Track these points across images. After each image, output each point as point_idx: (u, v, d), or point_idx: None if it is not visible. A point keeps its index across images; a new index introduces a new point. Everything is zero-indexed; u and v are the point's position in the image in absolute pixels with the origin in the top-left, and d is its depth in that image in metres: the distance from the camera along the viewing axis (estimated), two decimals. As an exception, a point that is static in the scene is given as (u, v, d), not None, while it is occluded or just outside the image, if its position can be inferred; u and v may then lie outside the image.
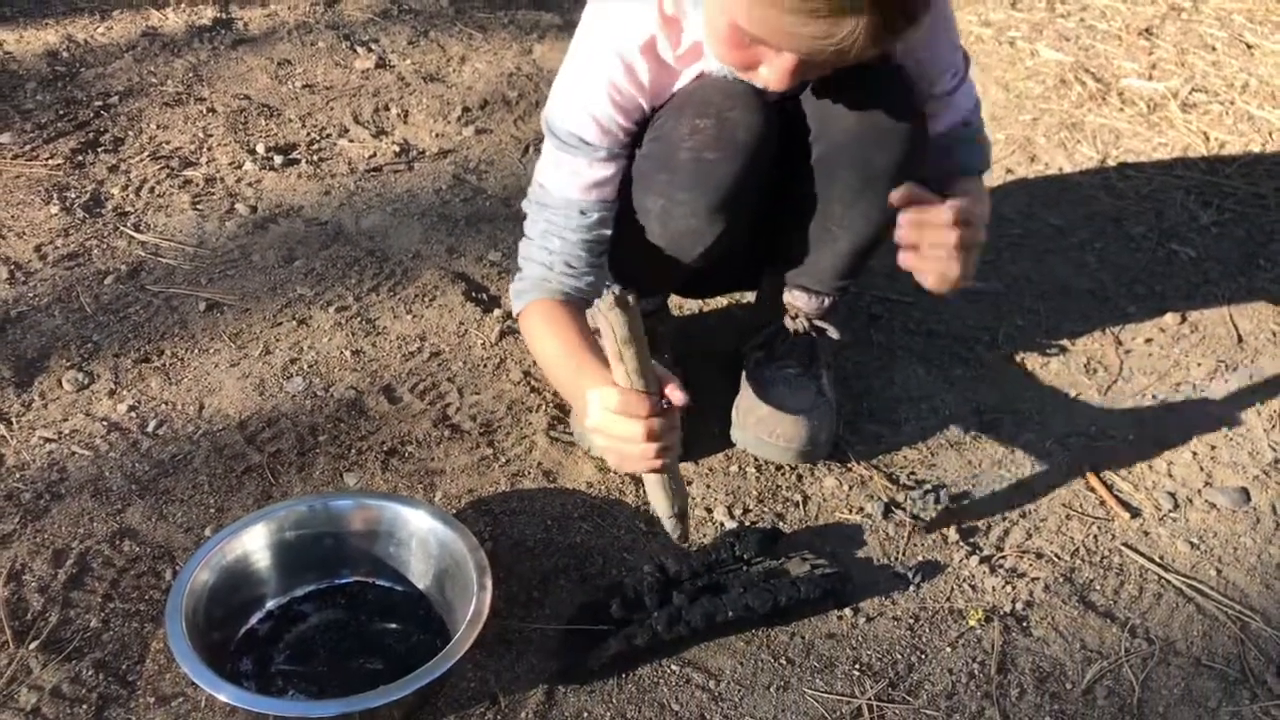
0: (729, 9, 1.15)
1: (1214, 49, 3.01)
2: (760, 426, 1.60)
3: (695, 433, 1.62)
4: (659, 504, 1.32)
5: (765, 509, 1.57)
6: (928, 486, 1.61)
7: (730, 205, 1.40)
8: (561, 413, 1.70)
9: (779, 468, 1.63)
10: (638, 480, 1.57)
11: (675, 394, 1.20)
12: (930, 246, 1.28)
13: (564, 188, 1.40)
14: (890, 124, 1.37)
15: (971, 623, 1.43)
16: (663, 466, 1.24)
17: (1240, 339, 1.96)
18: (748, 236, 1.54)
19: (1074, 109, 2.66)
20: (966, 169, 1.52)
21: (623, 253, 1.47)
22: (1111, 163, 2.46)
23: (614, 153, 1.39)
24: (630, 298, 1.10)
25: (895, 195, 1.29)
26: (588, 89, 1.36)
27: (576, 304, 1.46)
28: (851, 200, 1.44)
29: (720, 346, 1.80)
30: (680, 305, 1.94)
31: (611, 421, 1.19)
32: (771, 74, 1.20)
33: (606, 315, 1.11)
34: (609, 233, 1.44)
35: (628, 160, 1.42)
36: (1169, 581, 1.51)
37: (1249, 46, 3.03)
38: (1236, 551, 1.56)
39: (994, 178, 2.34)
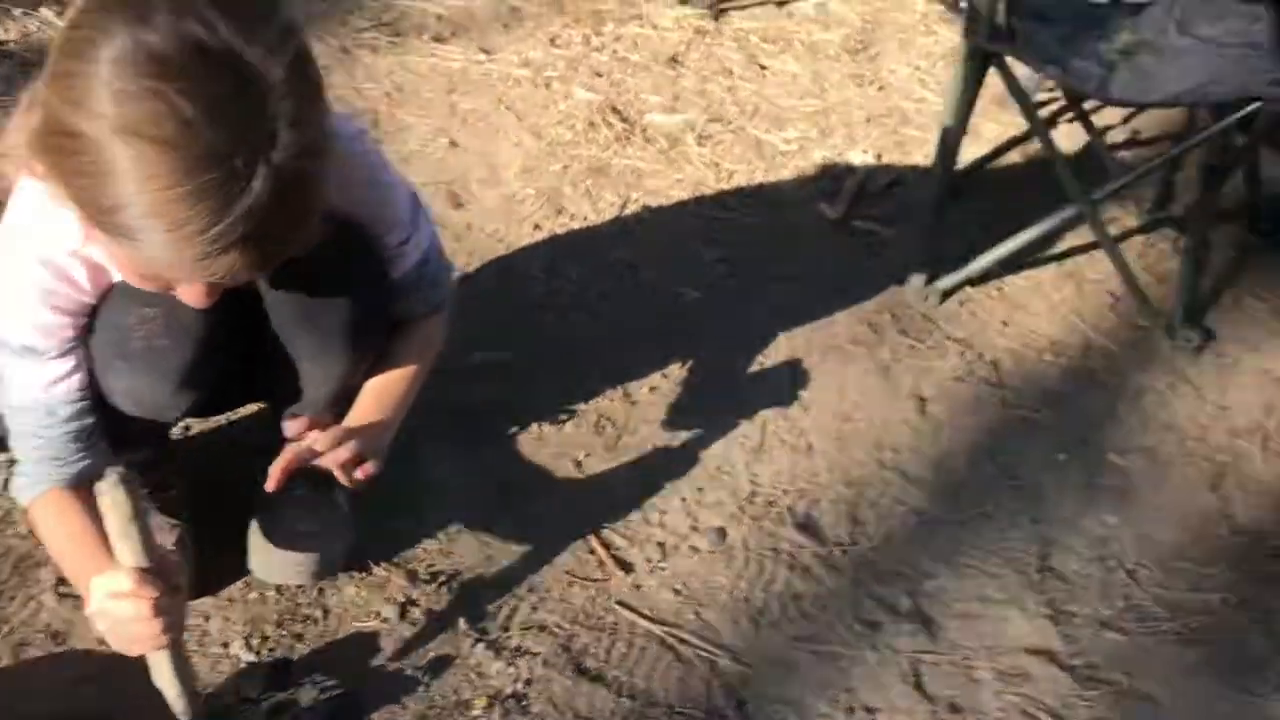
0: (116, 259, 1.18)
1: (732, 73, 3.27)
2: (271, 553, 1.66)
3: (214, 565, 1.67)
4: (166, 684, 1.36)
5: (284, 632, 1.64)
6: (443, 578, 1.74)
7: (194, 383, 1.46)
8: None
9: (300, 585, 1.70)
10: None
11: (179, 577, 1.26)
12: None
13: (27, 391, 1.40)
14: (336, 284, 1.45)
15: (476, 711, 1.57)
16: (170, 642, 1.29)
17: (734, 374, 2.20)
18: (237, 370, 1.58)
19: (601, 152, 2.83)
20: (428, 305, 1.63)
21: (107, 416, 1.48)
22: (632, 207, 2.65)
23: (67, 348, 1.39)
24: (132, 475, 1.15)
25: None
26: (25, 304, 1.34)
27: (81, 489, 1.46)
28: (314, 358, 1.52)
29: (231, 476, 1.83)
30: (188, 434, 1.93)
31: (115, 605, 1.23)
32: (189, 297, 1.22)
33: (111, 494, 1.14)
34: (92, 419, 1.45)
35: (86, 347, 1.42)
36: (653, 633, 1.70)
37: (763, 68, 3.31)
38: (713, 592, 1.78)
39: (521, 236, 2.47)
